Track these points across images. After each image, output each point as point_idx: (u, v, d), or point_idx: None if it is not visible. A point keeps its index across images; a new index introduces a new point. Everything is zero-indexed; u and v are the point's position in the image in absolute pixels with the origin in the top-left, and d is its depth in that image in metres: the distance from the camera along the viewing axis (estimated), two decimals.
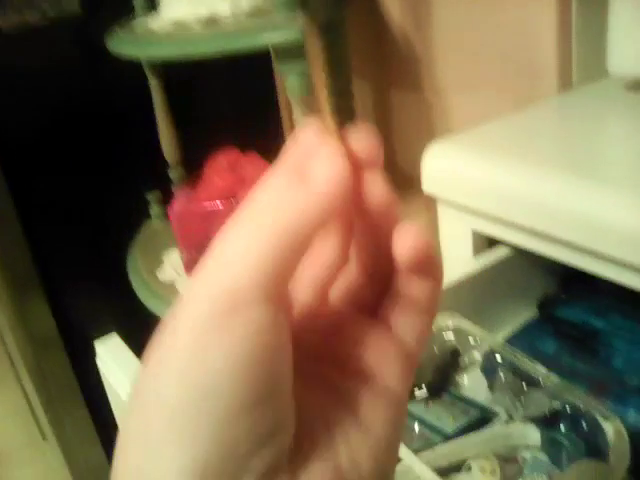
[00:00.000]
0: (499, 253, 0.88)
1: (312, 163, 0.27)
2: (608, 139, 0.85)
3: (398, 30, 1.21)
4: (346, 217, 0.30)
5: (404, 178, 1.00)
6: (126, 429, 0.25)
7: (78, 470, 1.68)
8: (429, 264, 0.28)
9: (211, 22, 0.95)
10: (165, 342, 0.25)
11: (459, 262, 0.88)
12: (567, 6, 0.94)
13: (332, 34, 1.19)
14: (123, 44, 1.01)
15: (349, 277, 0.32)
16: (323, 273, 0.31)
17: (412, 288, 0.30)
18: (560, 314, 0.83)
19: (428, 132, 1.21)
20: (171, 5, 1.02)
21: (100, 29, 1.19)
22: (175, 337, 0.25)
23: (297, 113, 0.92)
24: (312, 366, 0.30)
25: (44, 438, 1.83)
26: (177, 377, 0.24)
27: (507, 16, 1.00)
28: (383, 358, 0.30)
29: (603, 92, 0.96)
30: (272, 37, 0.84)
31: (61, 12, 1.38)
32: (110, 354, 0.76)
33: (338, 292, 0.32)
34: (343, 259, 0.31)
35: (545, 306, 0.86)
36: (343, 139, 0.28)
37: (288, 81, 0.90)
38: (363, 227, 0.30)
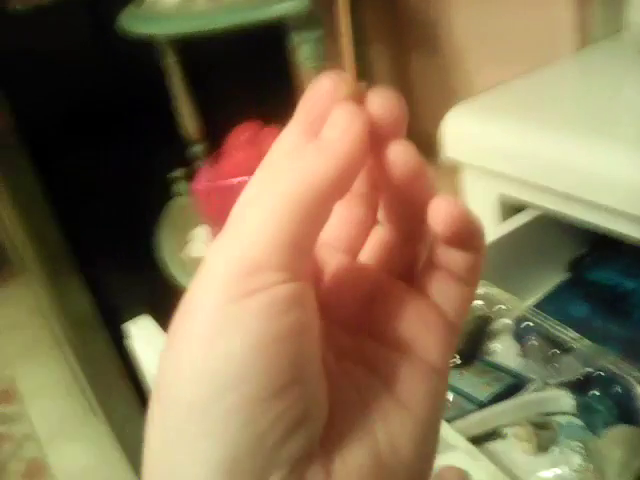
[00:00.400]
0: (526, 217, 0.86)
1: (328, 119, 0.25)
2: (632, 96, 0.82)
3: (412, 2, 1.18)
4: (370, 179, 0.28)
5: (426, 144, 0.97)
6: (152, 425, 0.24)
7: (127, 444, 1.72)
8: (468, 235, 0.26)
9: None
10: (181, 327, 0.23)
11: (486, 228, 0.87)
12: None
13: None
14: (134, 22, 1.00)
15: (380, 243, 0.30)
16: (350, 237, 0.29)
17: (451, 259, 0.27)
18: (590, 276, 0.81)
19: (450, 96, 1.19)
20: None
21: (113, 6, 1.19)
22: (191, 322, 0.23)
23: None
24: (345, 339, 0.28)
25: (94, 413, 1.88)
26: (194, 368, 0.22)
27: None
28: (423, 328, 0.27)
29: (624, 46, 0.93)
30: (282, 8, 0.82)
31: None
32: (142, 335, 0.78)
33: (370, 259, 0.30)
34: (371, 221, 0.29)
35: (575, 268, 0.85)
36: (363, 95, 0.25)
37: (301, 50, 0.88)
38: (391, 192, 0.27)
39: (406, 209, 0.28)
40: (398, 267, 0.29)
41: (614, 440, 0.62)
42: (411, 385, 0.27)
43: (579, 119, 0.78)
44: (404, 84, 1.31)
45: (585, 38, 0.96)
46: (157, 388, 0.24)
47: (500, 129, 0.82)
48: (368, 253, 0.30)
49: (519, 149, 0.79)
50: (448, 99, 1.20)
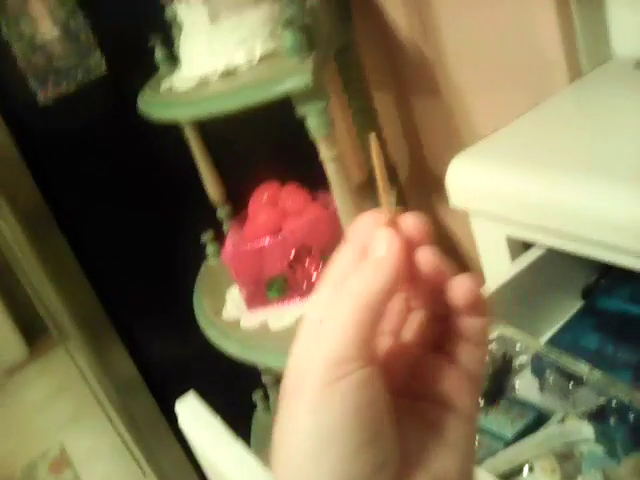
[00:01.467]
0: (536, 253, 0.90)
1: (374, 244, 0.35)
2: (629, 127, 0.86)
3: (408, 41, 1.24)
4: (406, 279, 0.36)
5: (435, 183, 1.03)
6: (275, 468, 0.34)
7: None
8: (480, 305, 0.36)
9: (229, 73, 1.01)
10: (291, 404, 0.33)
11: (498, 268, 0.91)
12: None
13: (345, 56, 1.23)
14: (151, 107, 1.07)
15: (416, 323, 0.39)
16: (395, 322, 0.39)
17: (469, 325, 0.36)
18: (601, 305, 0.85)
19: (453, 134, 1.24)
20: (191, 61, 1.08)
21: (129, 84, 1.27)
22: (298, 401, 0.33)
23: (322, 149, 0.97)
24: (402, 401, 0.36)
25: (144, 475, 1.92)
26: (306, 432, 0.32)
27: (509, 14, 1.03)
28: (457, 386, 0.37)
29: (614, 76, 0.97)
30: (287, 85, 0.88)
31: (91, 76, 1.45)
32: (190, 415, 0.82)
33: (409, 337, 0.39)
34: (408, 309, 0.39)
35: (587, 297, 0.89)
36: (397, 223, 0.35)
37: (309, 121, 0.94)
38: (423, 284, 0.36)
39: (433, 295, 0.37)
40: (430, 340, 0.38)
41: (633, 467, 0.66)
42: (454, 430, 0.36)
43: (578, 158, 0.81)
44: (409, 127, 1.37)
45: (574, 70, 1.00)
46: (276, 448, 0.34)
47: (502, 175, 0.86)
48: (407, 333, 0.39)
49: (522, 193, 0.82)
50: (452, 137, 1.25)
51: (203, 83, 1.02)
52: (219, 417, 0.81)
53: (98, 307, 1.59)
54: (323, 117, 0.93)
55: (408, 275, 0.35)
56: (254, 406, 1.68)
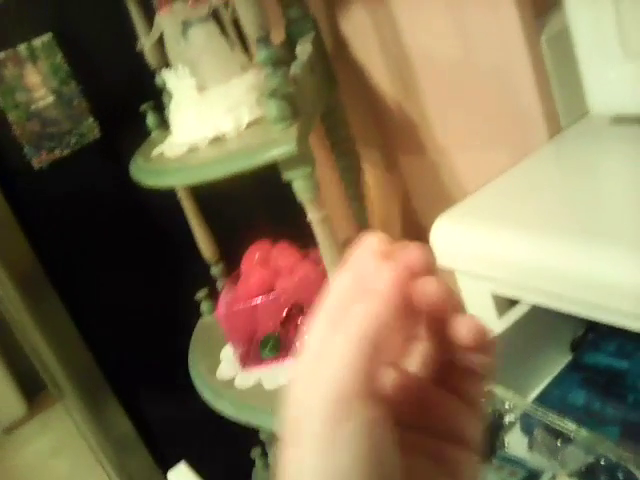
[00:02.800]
0: (522, 310, 0.91)
1: (374, 276, 0.34)
2: (610, 184, 0.88)
3: (392, 101, 1.27)
4: (408, 311, 0.35)
5: (424, 240, 1.04)
6: None
7: None
8: (485, 341, 0.35)
9: (217, 141, 1.03)
10: (294, 447, 0.32)
11: (488, 325, 0.92)
12: (539, 57, 0.99)
13: (331, 117, 1.26)
14: (142, 174, 1.09)
15: (419, 355, 0.38)
16: (397, 355, 0.38)
17: (474, 360, 0.36)
18: (588, 360, 0.86)
19: (439, 192, 1.27)
20: (181, 128, 1.10)
21: (122, 147, 1.30)
22: (303, 441, 0.32)
23: (309, 211, 0.99)
24: (407, 435, 0.36)
25: None
26: (316, 470, 0.31)
27: (489, 75, 1.06)
28: (463, 419, 0.37)
29: (592, 132, 0.99)
30: (273, 153, 0.91)
31: (85, 140, 1.49)
32: None
33: (413, 369, 0.38)
34: (410, 341, 0.38)
35: (574, 351, 0.90)
36: (395, 253, 0.35)
37: (295, 185, 0.97)
38: (426, 316, 0.36)
39: (437, 328, 0.36)
40: (434, 372, 0.38)
41: None
42: (464, 460, 0.36)
43: (561, 217, 0.82)
44: (396, 185, 1.40)
45: (553, 127, 1.03)
46: None
47: (486, 234, 0.88)
48: (411, 364, 0.38)
49: (506, 252, 0.83)
50: (438, 194, 1.27)
51: (193, 150, 1.04)
52: None
53: (94, 366, 1.60)
54: (309, 181, 0.95)
55: (410, 307, 0.34)
56: (253, 463, 1.68)
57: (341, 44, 1.30)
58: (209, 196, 1.42)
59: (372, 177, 1.38)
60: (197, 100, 1.04)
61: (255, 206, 1.62)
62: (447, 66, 1.13)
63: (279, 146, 0.91)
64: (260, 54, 0.94)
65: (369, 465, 0.31)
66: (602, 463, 0.70)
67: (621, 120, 0.96)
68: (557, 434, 0.76)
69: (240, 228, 1.41)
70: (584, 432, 0.72)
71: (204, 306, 1.44)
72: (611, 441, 0.72)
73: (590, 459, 0.71)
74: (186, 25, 1.07)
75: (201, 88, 1.06)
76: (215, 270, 1.41)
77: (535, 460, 0.78)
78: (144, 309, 1.61)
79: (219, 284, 1.42)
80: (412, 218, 1.40)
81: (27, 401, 3.33)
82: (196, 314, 1.49)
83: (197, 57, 1.06)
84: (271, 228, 1.33)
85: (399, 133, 1.31)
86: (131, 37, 1.22)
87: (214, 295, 1.40)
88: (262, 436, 1.62)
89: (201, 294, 1.43)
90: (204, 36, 1.05)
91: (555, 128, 1.03)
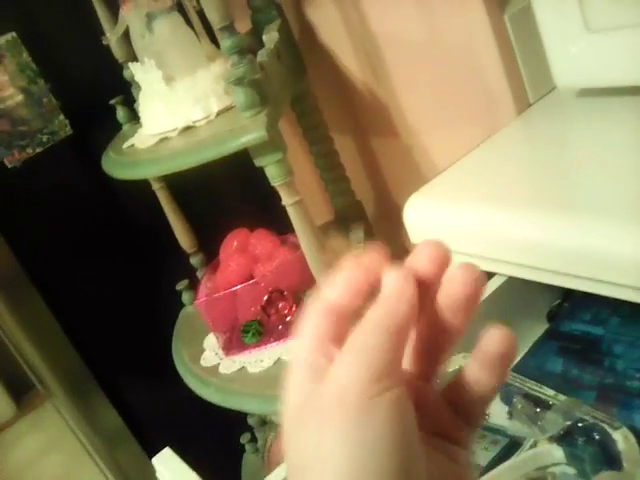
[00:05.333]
0: (498, 282, 0.92)
1: (384, 279, 0.37)
2: (578, 155, 0.88)
3: (362, 84, 1.28)
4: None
5: (401, 219, 1.06)
6: None
7: None
8: (505, 365, 0.40)
9: (188, 131, 1.04)
10: (331, 417, 0.34)
11: None
12: (503, 34, 1.00)
13: (302, 104, 1.27)
14: (113, 167, 1.10)
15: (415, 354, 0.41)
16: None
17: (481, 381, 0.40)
18: (564, 328, 0.88)
19: (414, 171, 1.28)
20: (151, 120, 1.11)
21: (95, 142, 1.30)
22: (341, 414, 0.33)
23: (283, 196, 1.00)
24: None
25: None
26: (348, 444, 0.33)
27: (455, 54, 1.07)
28: (458, 424, 0.40)
29: (559, 105, 1.00)
30: (243, 140, 0.91)
31: (57, 137, 1.48)
32: (167, 470, 0.84)
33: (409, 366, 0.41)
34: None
35: (551, 320, 0.92)
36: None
37: (267, 171, 0.97)
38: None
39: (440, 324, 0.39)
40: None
41: None
42: (463, 450, 0.39)
43: (532, 189, 0.83)
44: (371, 166, 1.41)
45: (521, 101, 1.04)
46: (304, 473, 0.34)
47: (457, 210, 0.89)
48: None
49: (478, 226, 0.84)
50: (412, 173, 1.29)
51: (164, 141, 1.05)
52: (195, 473, 0.83)
53: (80, 362, 1.61)
54: (281, 166, 0.96)
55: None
56: (243, 448, 1.69)
57: (308, 30, 1.30)
58: (185, 187, 1.43)
59: (347, 160, 1.38)
60: (165, 92, 1.05)
61: (232, 194, 1.63)
62: (413, 48, 1.14)
63: (249, 133, 0.91)
64: (225, 43, 0.94)
65: (400, 436, 0.33)
66: (579, 426, 0.72)
67: (587, 93, 0.97)
68: (536, 401, 0.78)
69: (217, 217, 1.42)
70: (562, 398, 0.74)
71: (185, 296, 1.44)
72: (588, 405, 0.74)
73: (568, 423, 0.73)
74: (150, 17, 1.07)
75: (169, 79, 1.06)
76: (194, 260, 1.42)
77: (516, 428, 0.80)
78: (126, 303, 1.62)
79: (199, 274, 1.43)
80: (388, 199, 1.41)
81: (15, 401, 3.32)
82: (179, 305, 1.50)
83: (163, 49, 1.06)
84: (249, 215, 1.33)
85: (370, 116, 1.31)
86: (97, 32, 1.21)
87: (195, 285, 1.41)
88: (250, 421, 1.64)
89: (181, 285, 1.43)
90: (169, 28, 1.05)
91: (523, 103, 1.05)
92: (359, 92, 1.30)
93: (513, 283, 0.92)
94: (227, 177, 1.55)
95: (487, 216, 0.84)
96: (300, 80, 1.24)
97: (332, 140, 1.32)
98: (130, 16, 1.07)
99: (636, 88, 0.89)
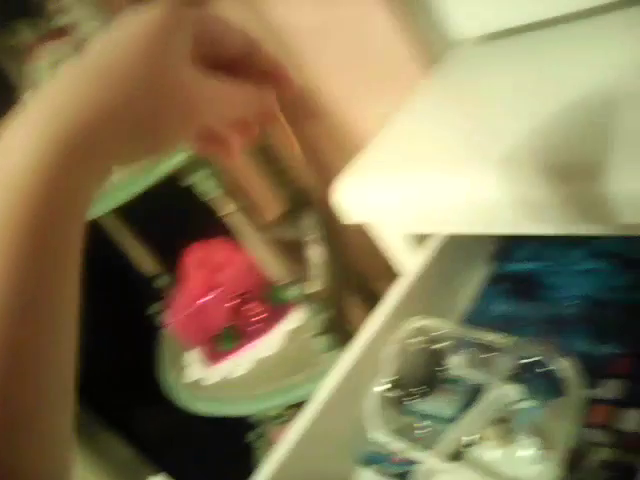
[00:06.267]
0: (437, 240, 0.94)
1: None
2: (491, 104, 0.89)
3: None
4: None
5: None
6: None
7: None
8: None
9: None
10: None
11: (406, 264, 0.96)
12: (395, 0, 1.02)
13: None
14: None
15: None
16: None
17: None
18: (503, 270, 0.91)
19: (345, 149, 1.30)
20: None
21: None
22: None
23: (219, 208, 1.03)
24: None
25: None
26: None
27: (350, 29, 1.09)
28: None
29: (462, 58, 1.02)
30: (166, 166, 0.94)
31: None
32: None
33: None
34: None
35: (492, 265, 0.95)
36: None
37: (201, 187, 1.00)
38: None
39: None
40: None
41: (554, 414, 0.72)
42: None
43: (453, 147, 0.84)
44: (306, 151, 1.43)
45: (425, 60, 1.06)
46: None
47: (386, 181, 0.89)
48: None
49: (408, 192, 0.85)
50: (344, 152, 1.31)
51: None
52: None
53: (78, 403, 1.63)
54: (209, 182, 0.99)
55: None
56: (250, 447, 1.73)
57: None
58: (137, 212, 1.45)
59: (283, 151, 1.41)
60: None
61: (184, 210, 1.65)
62: (315, 33, 1.16)
63: (171, 157, 0.94)
64: None
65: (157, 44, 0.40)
66: (527, 362, 0.76)
67: (486, 39, 1.00)
68: (485, 348, 0.82)
69: (175, 236, 1.44)
70: (506, 339, 0.77)
71: (159, 319, 1.48)
72: (531, 340, 0.77)
73: (517, 362, 0.77)
74: (58, 64, 1.09)
75: None
76: (161, 282, 1.45)
77: (473, 376, 0.84)
78: (109, 337, 1.64)
79: (168, 294, 1.46)
80: (330, 180, 1.43)
81: None
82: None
83: None
84: (207, 227, 1.36)
85: (292, 104, 1.34)
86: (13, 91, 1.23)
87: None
88: (251, 420, 1.67)
89: (154, 308, 1.46)
90: None
91: (427, 63, 1.07)
92: None
93: (452, 239, 0.95)
94: (178, 194, 1.57)
95: (415, 180, 0.86)
96: None
97: (264, 134, 1.34)
98: (36, 69, 1.09)
99: (528, 25, 0.92)
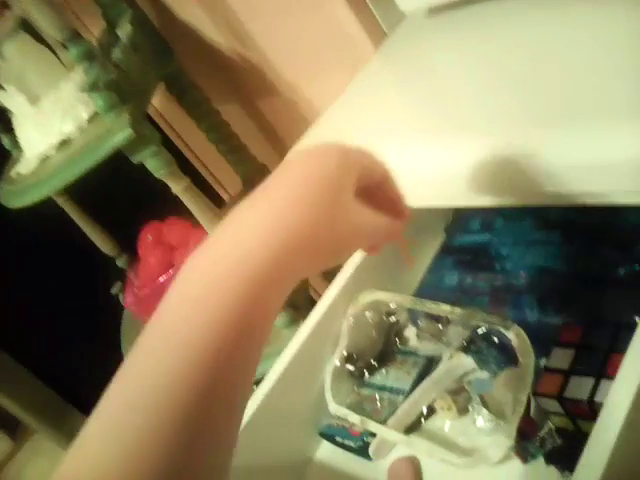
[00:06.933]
0: None
1: None
2: (442, 75, 0.88)
3: (231, 53, 1.29)
4: None
5: None
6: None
7: None
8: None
9: (65, 144, 1.05)
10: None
11: None
12: None
13: (178, 84, 1.27)
14: (7, 198, 1.10)
15: None
16: None
17: None
18: (455, 242, 0.91)
19: (303, 123, 1.29)
20: (29, 143, 1.11)
21: None
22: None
23: (171, 185, 1.01)
24: None
25: None
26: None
27: (301, 6, 1.08)
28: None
29: (412, 31, 1.02)
30: (111, 144, 0.93)
31: None
32: None
33: None
34: None
35: (449, 233, 0.95)
36: None
37: (147, 165, 0.99)
38: None
39: None
40: None
41: (503, 384, 0.73)
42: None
43: (407, 119, 0.83)
44: (264, 129, 1.43)
45: (376, 35, 1.05)
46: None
47: None
48: None
49: None
50: (301, 124, 1.30)
51: (44, 160, 1.05)
52: None
53: (49, 392, 1.62)
54: (158, 158, 0.97)
55: None
56: None
57: (167, 14, 1.30)
58: (93, 193, 1.43)
59: (240, 129, 1.40)
60: (33, 113, 1.05)
61: (141, 189, 1.63)
62: (268, 11, 1.15)
63: (115, 135, 0.93)
64: (71, 53, 0.95)
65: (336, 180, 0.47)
66: (478, 332, 0.76)
67: (435, 11, 0.99)
68: (437, 319, 0.82)
69: (133, 215, 1.43)
70: (458, 310, 0.77)
71: (122, 298, 1.46)
72: (482, 311, 0.78)
73: (468, 332, 0.77)
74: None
75: (34, 100, 1.06)
76: (120, 262, 1.44)
77: (426, 347, 0.84)
78: (72, 321, 1.63)
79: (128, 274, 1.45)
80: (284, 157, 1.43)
81: (9, 435, 3.33)
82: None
83: (19, 72, 1.06)
84: (162, 206, 1.34)
85: (249, 81, 1.33)
86: None
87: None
88: None
89: (115, 288, 1.45)
90: (18, 50, 1.05)
91: (379, 36, 1.06)
92: (233, 62, 1.31)
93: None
94: (132, 173, 1.56)
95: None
96: (169, 63, 1.24)
97: (218, 113, 1.33)
98: None
99: None
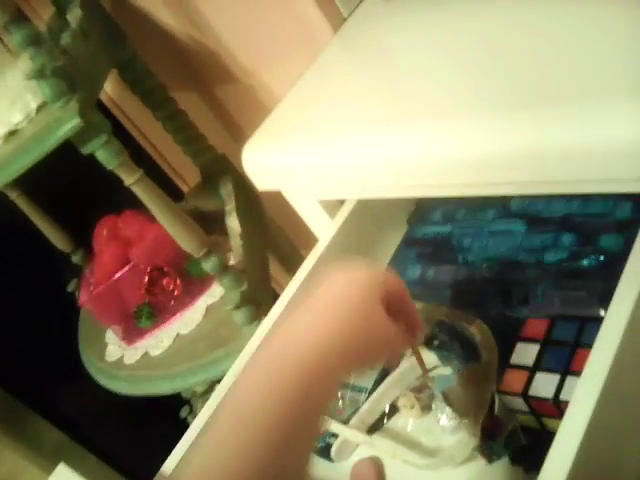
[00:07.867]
0: (352, 204, 0.92)
1: None
2: (403, 61, 0.86)
3: (187, 39, 1.25)
4: None
5: None
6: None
7: None
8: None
9: (13, 135, 1.00)
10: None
11: (323, 229, 0.92)
12: None
13: (132, 72, 1.23)
14: None
15: None
16: None
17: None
18: (417, 234, 0.89)
19: (262, 110, 1.26)
20: None
21: None
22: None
23: (122, 177, 0.97)
24: None
25: None
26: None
27: None
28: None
29: (371, 15, 0.99)
30: (60, 134, 0.88)
31: None
32: None
33: None
34: None
35: (411, 224, 0.92)
36: None
37: (98, 156, 0.94)
38: None
39: None
40: None
41: (465, 381, 0.70)
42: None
43: (366, 107, 0.80)
44: (223, 117, 1.39)
45: (335, 19, 1.02)
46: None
47: (297, 146, 0.85)
48: None
49: (320, 157, 0.81)
50: (260, 111, 1.27)
51: None
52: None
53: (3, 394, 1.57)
54: (109, 149, 0.93)
55: None
56: (186, 422, 1.70)
57: None
58: (46, 187, 1.39)
59: (197, 117, 1.35)
60: None
61: (98, 182, 1.58)
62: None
63: (63, 124, 0.88)
64: (15, 38, 0.89)
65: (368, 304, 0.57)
66: (441, 328, 0.74)
67: None
68: None
69: (89, 209, 1.38)
70: (420, 304, 0.75)
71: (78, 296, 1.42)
72: (444, 305, 0.75)
73: (430, 327, 0.75)
74: None
75: None
76: (76, 258, 1.39)
77: None
78: (27, 319, 1.57)
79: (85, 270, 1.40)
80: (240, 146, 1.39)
81: None
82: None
83: None
84: (118, 200, 1.30)
85: (205, 68, 1.29)
86: None
87: None
88: (184, 395, 1.64)
89: (71, 286, 1.40)
90: None
91: (338, 20, 1.03)
92: (188, 47, 1.27)
93: (368, 202, 0.92)
94: (88, 164, 1.51)
95: (327, 144, 0.82)
96: (121, 48, 1.19)
97: (174, 101, 1.28)
98: None
99: None
